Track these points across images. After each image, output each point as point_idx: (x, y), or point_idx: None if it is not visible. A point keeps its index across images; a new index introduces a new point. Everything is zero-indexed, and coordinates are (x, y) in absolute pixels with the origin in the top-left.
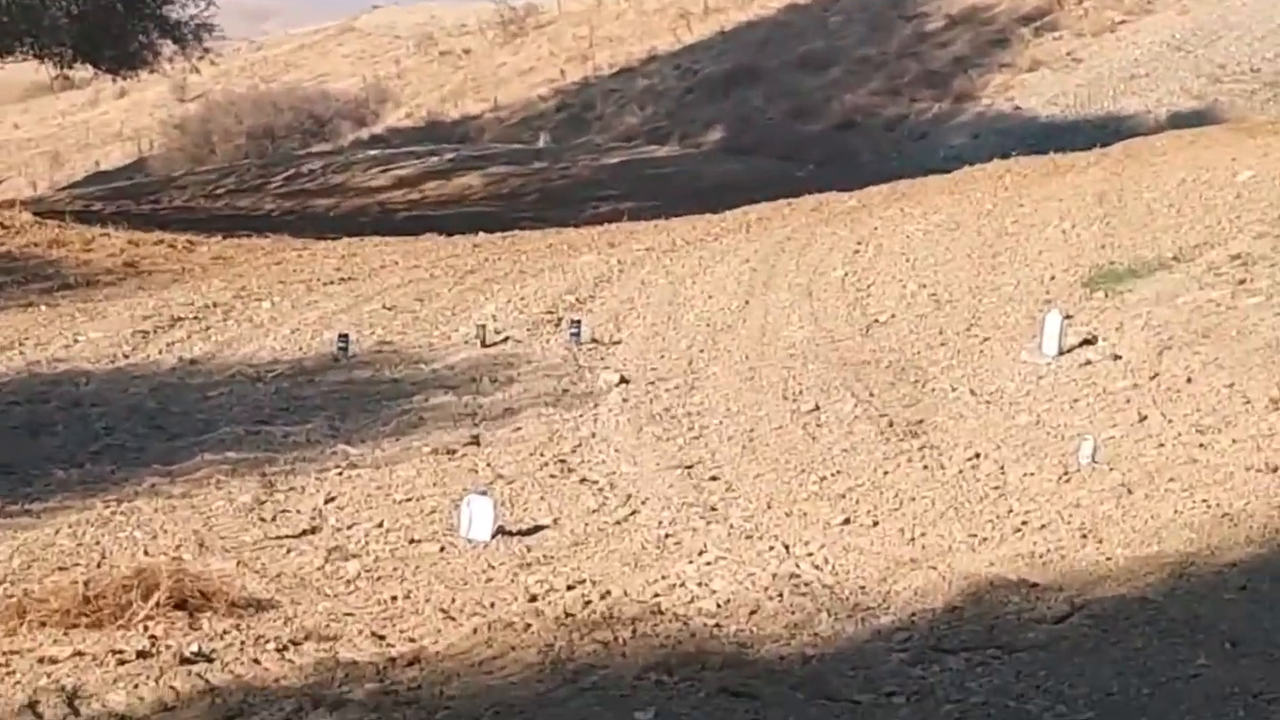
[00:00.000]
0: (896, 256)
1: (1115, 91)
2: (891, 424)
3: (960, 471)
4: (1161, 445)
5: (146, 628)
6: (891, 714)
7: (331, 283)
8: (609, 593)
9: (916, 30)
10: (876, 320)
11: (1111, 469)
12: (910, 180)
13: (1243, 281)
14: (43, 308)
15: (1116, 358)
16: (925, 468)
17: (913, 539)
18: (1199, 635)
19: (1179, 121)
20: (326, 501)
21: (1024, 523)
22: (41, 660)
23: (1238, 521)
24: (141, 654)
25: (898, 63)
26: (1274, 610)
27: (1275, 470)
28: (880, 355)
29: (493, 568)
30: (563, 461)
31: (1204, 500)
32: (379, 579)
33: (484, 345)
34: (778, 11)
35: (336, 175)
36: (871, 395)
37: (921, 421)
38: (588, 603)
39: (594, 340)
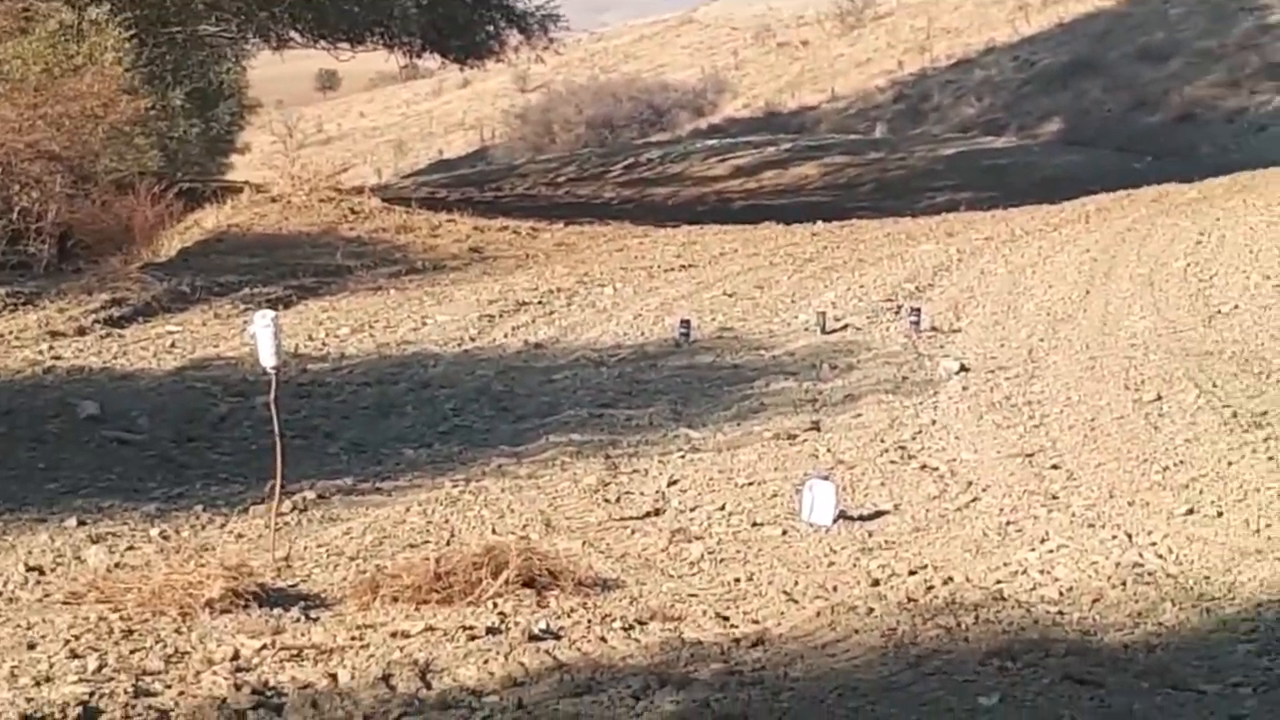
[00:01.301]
0: (1239, 248)
1: None
2: (1235, 414)
3: None
4: None
5: (496, 605)
6: (1238, 704)
7: (672, 269)
8: (951, 579)
9: (1258, 22)
10: (1219, 311)
11: None
12: (1252, 172)
13: None
14: (391, 291)
15: None
16: (1270, 459)
17: (1258, 530)
18: None
19: None
20: (669, 484)
21: None
22: (394, 635)
23: None
24: (491, 630)
25: (1238, 55)
26: None
27: None
28: (1223, 346)
29: (835, 552)
30: (903, 448)
31: None
32: (722, 561)
33: (824, 332)
34: (1117, 3)
35: (675, 164)
36: (1214, 386)
37: (1266, 413)
38: (930, 588)
39: (934, 328)
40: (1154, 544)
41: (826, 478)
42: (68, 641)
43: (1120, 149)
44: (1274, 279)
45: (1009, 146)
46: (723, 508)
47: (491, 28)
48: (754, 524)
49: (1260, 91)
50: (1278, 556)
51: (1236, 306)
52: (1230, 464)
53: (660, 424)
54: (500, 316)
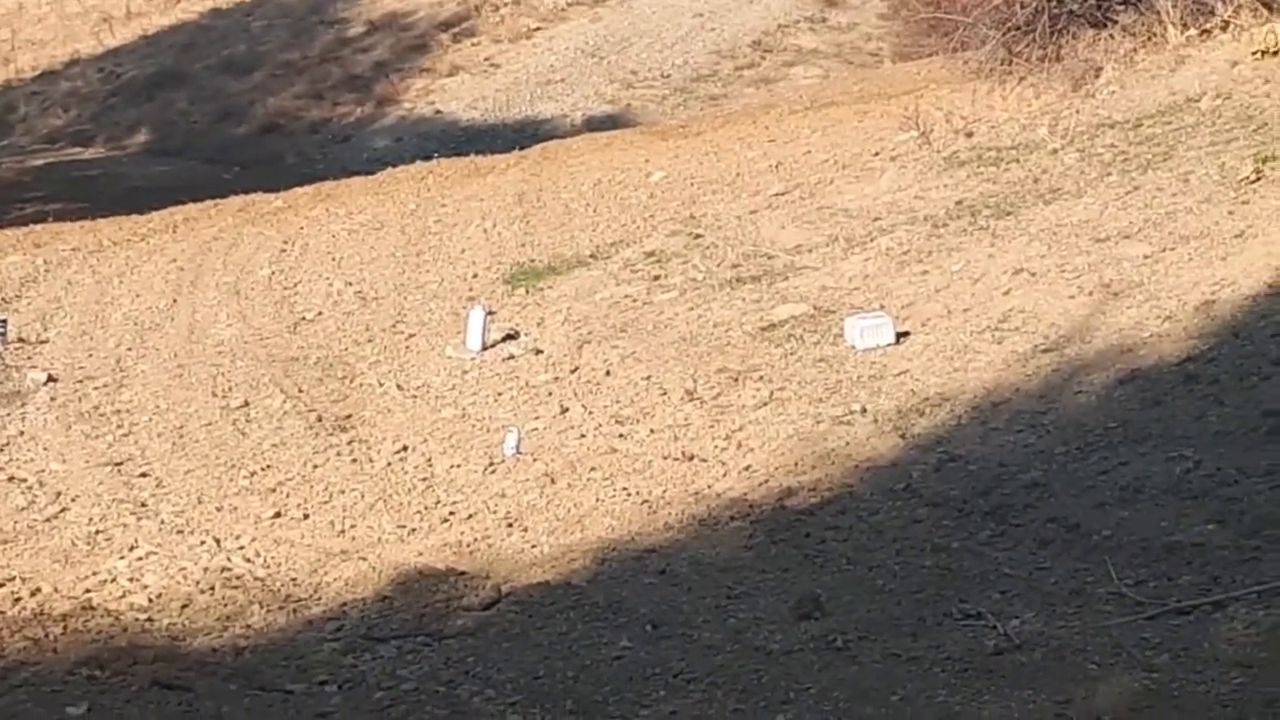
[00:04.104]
0: (323, 255)
1: (533, 96)
2: (320, 419)
3: (389, 464)
4: (583, 436)
5: None
6: (324, 702)
7: None
8: (39, 590)
9: (338, 35)
10: (304, 318)
11: (535, 459)
12: (335, 181)
13: (657, 278)
14: None
15: (538, 352)
16: (354, 461)
17: (343, 531)
18: (621, 618)
19: (594, 125)
20: None
21: (451, 513)
22: None
23: (656, 508)
24: None
25: (320, 67)
26: (691, 592)
27: (690, 458)
28: (308, 351)
29: None
30: None
31: (624, 488)
32: None
33: None
34: (200, 16)
35: None
36: (300, 391)
37: (350, 416)
38: (17, 600)
39: (20, 340)
40: (242, 548)
41: None
42: None
43: (209, 160)
44: (355, 285)
45: (98, 158)
46: None
47: None
48: None
49: (343, 103)
50: (361, 556)
51: (320, 313)
52: (316, 467)
53: None
54: None
